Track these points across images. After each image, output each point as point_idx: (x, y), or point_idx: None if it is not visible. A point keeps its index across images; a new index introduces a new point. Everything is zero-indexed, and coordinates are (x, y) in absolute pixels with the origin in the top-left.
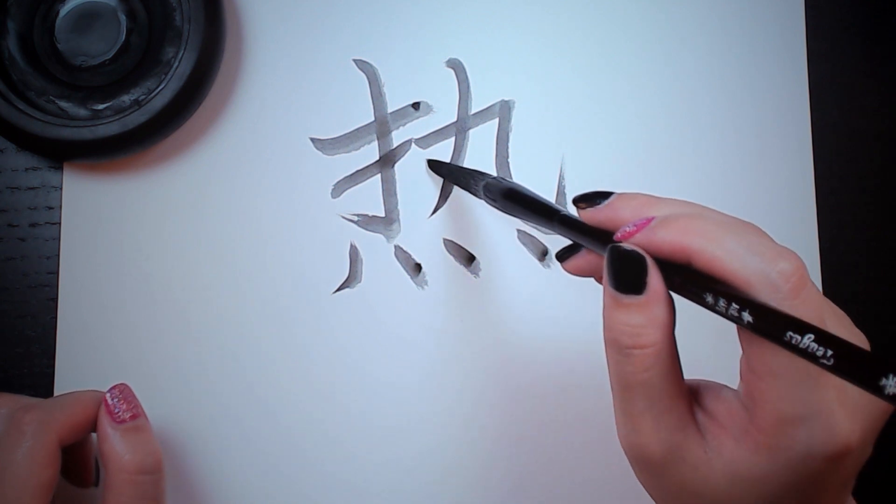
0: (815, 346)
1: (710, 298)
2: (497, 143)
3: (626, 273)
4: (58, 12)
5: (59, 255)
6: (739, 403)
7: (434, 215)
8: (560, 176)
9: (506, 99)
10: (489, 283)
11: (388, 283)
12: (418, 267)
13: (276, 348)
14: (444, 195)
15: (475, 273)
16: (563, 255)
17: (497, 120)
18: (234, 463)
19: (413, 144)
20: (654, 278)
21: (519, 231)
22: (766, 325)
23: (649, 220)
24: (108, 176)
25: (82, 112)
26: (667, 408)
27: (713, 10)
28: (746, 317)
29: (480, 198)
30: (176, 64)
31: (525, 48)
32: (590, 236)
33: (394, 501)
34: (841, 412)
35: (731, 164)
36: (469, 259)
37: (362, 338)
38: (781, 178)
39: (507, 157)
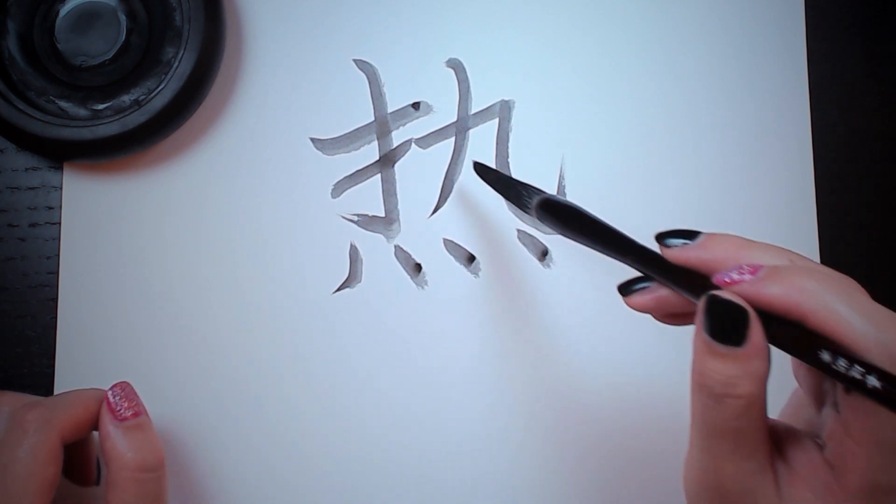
0: None
1: (826, 357)
2: (497, 143)
3: (725, 323)
4: (58, 12)
5: (59, 255)
6: (823, 459)
7: (434, 215)
8: (560, 176)
9: (506, 99)
10: (489, 283)
11: (388, 283)
12: (418, 267)
13: (275, 348)
14: (444, 195)
15: (475, 273)
16: (627, 289)
17: (497, 120)
18: (234, 461)
19: (413, 144)
20: (756, 332)
21: (519, 231)
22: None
23: (755, 269)
24: (108, 176)
25: (82, 112)
26: (751, 453)
27: (713, 11)
28: (872, 381)
29: (529, 213)
30: (176, 64)
31: (525, 48)
32: (673, 275)
33: (393, 501)
34: None
35: (731, 164)
36: (469, 259)
37: (362, 338)
38: (781, 178)
39: (507, 157)
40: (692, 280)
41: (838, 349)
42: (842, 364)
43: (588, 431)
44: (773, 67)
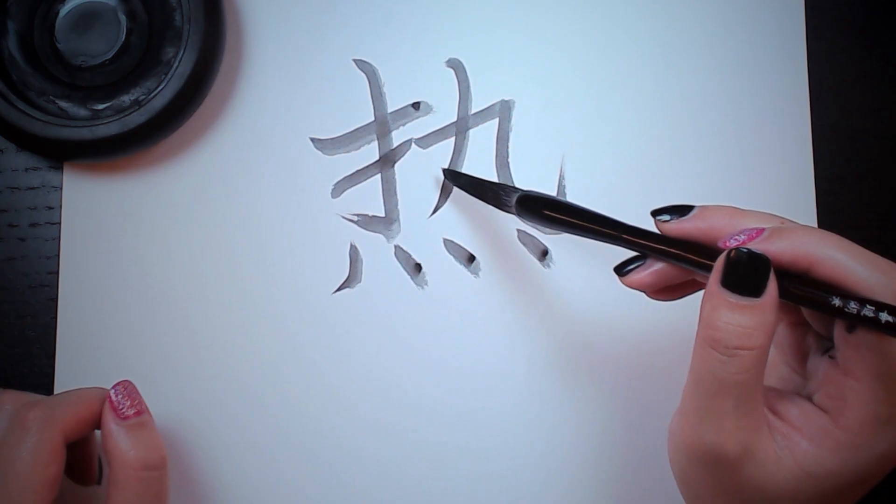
0: None
1: (837, 301)
2: (497, 143)
3: (745, 275)
4: (58, 12)
5: (59, 255)
6: (815, 407)
7: (434, 215)
8: (560, 176)
9: (506, 99)
10: (489, 283)
11: (388, 283)
12: (418, 267)
13: (276, 348)
14: (444, 195)
15: (475, 273)
16: (624, 269)
17: (497, 120)
18: (234, 461)
19: (413, 144)
20: (772, 283)
21: (519, 231)
22: None
23: (759, 230)
24: (108, 176)
25: (82, 112)
26: (750, 409)
27: (713, 10)
28: (885, 317)
29: (510, 212)
30: (176, 64)
31: (525, 48)
32: (675, 248)
33: (393, 500)
34: None
35: (731, 164)
36: (469, 259)
37: (362, 338)
38: (781, 178)
39: (507, 157)
40: (693, 249)
41: (848, 293)
42: (853, 305)
43: (588, 430)
44: (773, 67)
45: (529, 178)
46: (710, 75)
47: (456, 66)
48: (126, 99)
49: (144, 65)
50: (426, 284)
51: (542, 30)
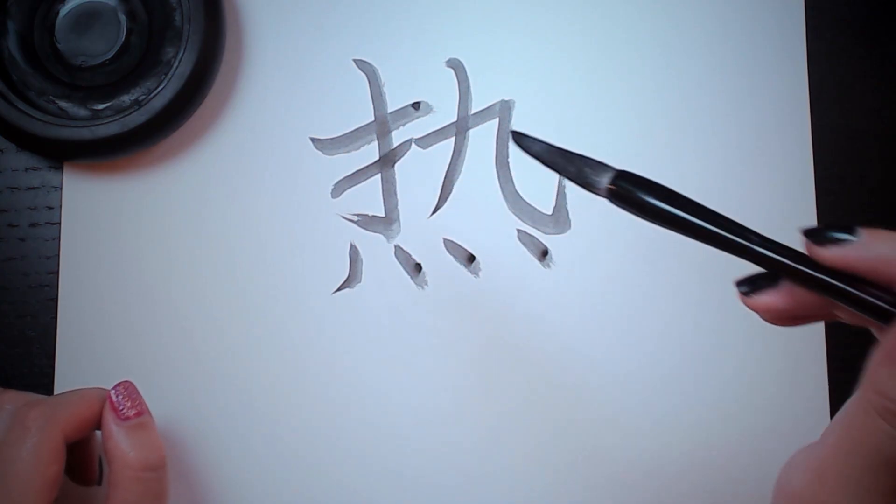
0: None
1: None
2: (497, 143)
3: None
4: (58, 12)
5: (59, 255)
6: None
7: (434, 215)
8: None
9: (506, 99)
10: (489, 283)
11: (388, 283)
12: (418, 267)
13: (276, 348)
14: (444, 195)
15: (475, 273)
16: (748, 286)
17: (497, 120)
18: (234, 461)
19: (413, 144)
20: None
21: (519, 231)
22: None
23: None
24: (108, 176)
25: (82, 112)
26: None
27: (713, 11)
28: None
29: (598, 193)
30: (176, 64)
31: (525, 48)
32: (831, 279)
33: (392, 500)
34: None
35: (731, 164)
36: (469, 259)
37: (362, 338)
38: (781, 178)
39: (507, 157)
40: (873, 293)
41: None
42: None
43: (589, 431)
44: (773, 67)
45: (529, 178)
46: (710, 75)
47: (456, 66)
48: (126, 99)
49: (144, 65)
50: (426, 284)
51: (542, 30)
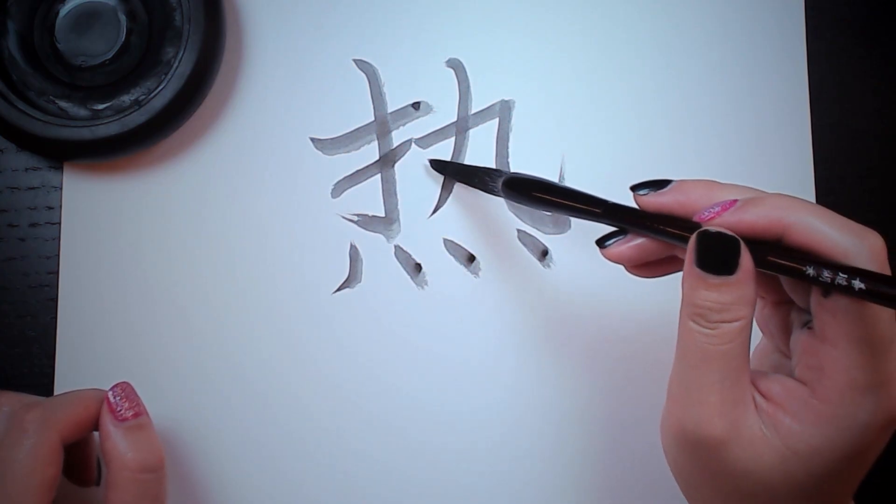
0: None
1: (811, 270)
2: (497, 143)
3: (716, 255)
4: (58, 12)
5: (59, 255)
6: (796, 382)
7: (434, 215)
8: (560, 176)
9: (506, 99)
10: (489, 283)
11: (388, 283)
12: (418, 267)
13: (276, 348)
14: (444, 195)
15: (475, 273)
16: (605, 241)
17: (497, 120)
18: (234, 462)
19: (413, 144)
20: (746, 258)
21: (519, 231)
22: (880, 289)
23: (732, 202)
24: (108, 176)
25: (82, 112)
26: (735, 382)
27: (713, 10)
28: (857, 284)
29: (497, 195)
30: (176, 64)
31: (525, 48)
32: (654, 223)
33: (392, 500)
34: None
35: (731, 164)
36: (469, 259)
37: (362, 338)
38: (781, 178)
39: (507, 157)
40: (672, 223)
41: (821, 261)
42: (827, 274)
43: (588, 430)
44: (773, 67)
45: None
46: (710, 75)
47: (456, 66)
48: (126, 99)
49: (144, 65)
50: (426, 284)
51: (542, 30)
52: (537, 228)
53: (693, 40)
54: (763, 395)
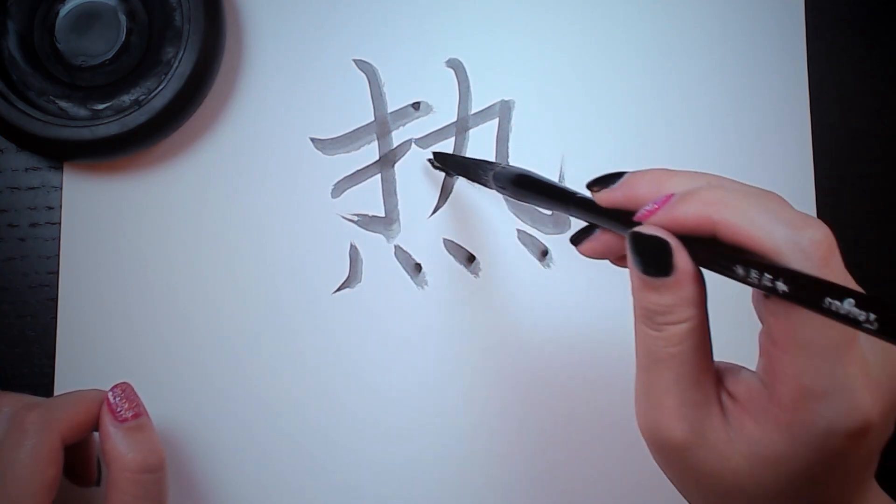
0: (856, 310)
1: (740, 270)
2: (497, 143)
3: (651, 257)
4: (58, 12)
5: (59, 255)
6: (759, 382)
7: (434, 215)
8: (560, 176)
9: (506, 99)
10: (489, 283)
11: (388, 283)
12: (418, 267)
13: (276, 348)
14: (444, 195)
15: (475, 273)
16: (577, 238)
17: (497, 120)
18: (234, 462)
19: (413, 144)
20: (681, 258)
21: (519, 231)
22: (803, 292)
23: (668, 196)
24: (108, 176)
25: (82, 112)
26: (692, 384)
27: (713, 10)
28: (781, 286)
29: (490, 187)
30: (176, 64)
31: (525, 48)
32: (607, 218)
33: (392, 500)
34: (863, 388)
35: (731, 164)
36: (469, 259)
37: (362, 338)
38: (781, 178)
39: (507, 157)
40: (623, 219)
41: (749, 260)
42: (754, 274)
43: (588, 430)
44: (773, 67)
45: None
46: (710, 75)
47: (456, 66)
48: (126, 99)
49: (144, 65)
50: (426, 284)
51: (542, 30)
52: (537, 228)
53: (693, 40)
54: (730, 396)
